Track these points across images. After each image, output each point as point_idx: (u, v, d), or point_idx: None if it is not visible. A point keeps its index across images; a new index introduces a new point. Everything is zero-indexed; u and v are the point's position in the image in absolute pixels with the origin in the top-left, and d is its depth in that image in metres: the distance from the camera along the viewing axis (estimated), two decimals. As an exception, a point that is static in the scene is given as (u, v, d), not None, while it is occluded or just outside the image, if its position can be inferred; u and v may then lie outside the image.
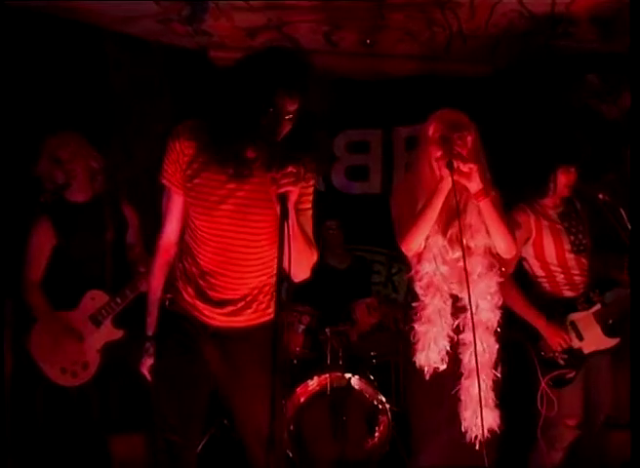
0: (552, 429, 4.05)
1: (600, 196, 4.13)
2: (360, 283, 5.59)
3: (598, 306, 4.10)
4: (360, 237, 6.14)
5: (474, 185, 3.16)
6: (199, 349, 2.92)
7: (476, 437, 3.22)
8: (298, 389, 4.59)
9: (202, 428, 3.04)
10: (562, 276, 4.09)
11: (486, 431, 3.22)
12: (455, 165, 3.09)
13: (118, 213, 4.14)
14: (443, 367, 3.22)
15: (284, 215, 2.54)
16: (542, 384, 3.95)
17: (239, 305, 2.89)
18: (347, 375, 4.63)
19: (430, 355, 3.21)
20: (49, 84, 4.90)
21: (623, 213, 4.02)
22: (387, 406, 4.60)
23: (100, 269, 4.06)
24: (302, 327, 4.83)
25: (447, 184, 3.13)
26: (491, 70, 6.02)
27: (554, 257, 4.07)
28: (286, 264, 2.49)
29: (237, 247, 2.81)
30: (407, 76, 6.13)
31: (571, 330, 4.07)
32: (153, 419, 2.93)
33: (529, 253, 4.09)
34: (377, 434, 4.63)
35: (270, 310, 2.94)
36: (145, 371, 2.98)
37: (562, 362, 4.02)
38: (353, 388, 4.63)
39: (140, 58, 5.43)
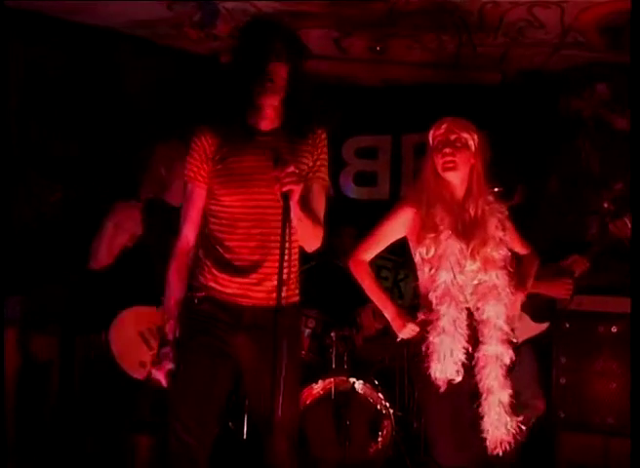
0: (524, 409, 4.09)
1: (605, 205, 4.17)
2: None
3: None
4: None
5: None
6: (226, 348, 2.97)
7: (501, 445, 3.22)
8: (302, 392, 4.61)
9: (216, 429, 3.08)
10: None
11: (511, 438, 3.24)
12: None
13: None
14: (458, 379, 3.18)
15: (286, 212, 2.69)
16: None
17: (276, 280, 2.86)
18: (352, 380, 4.65)
19: (446, 367, 3.17)
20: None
21: (628, 222, 4.05)
22: (391, 411, 4.62)
23: None
24: (308, 330, 4.86)
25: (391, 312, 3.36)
26: (500, 78, 6.04)
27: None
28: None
29: (271, 216, 2.89)
30: (416, 83, 6.17)
31: None
32: (168, 419, 2.98)
33: None
34: (380, 439, 4.65)
35: (294, 292, 3.08)
36: (162, 376, 3.00)
37: None
38: (357, 393, 4.64)
39: (152, 62, 5.49)
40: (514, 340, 3.34)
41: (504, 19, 4.84)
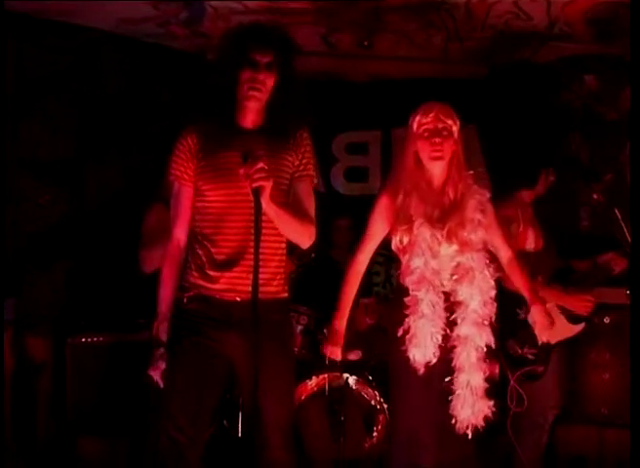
0: (538, 416, 4.21)
1: (595, 196, 4.19)
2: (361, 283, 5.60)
3: None
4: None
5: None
6: (217, 346, 2.98)
7: (468, 426, 3.28)
8: (296, 389, 4.60)
9: (208, 428, 3.10)
10: None
11: (481, 420, 3.30)
12: None
13: None
14: (434, 361, 3.24)
15: (258, 208, 2.73)
16: (512, 382, 4.01)
17: (266, 273, 2.91)
18: (345, 375, 4.63)
19: (427, 350, 3.22)
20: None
21: (618, 213, 4.07)
22: (385, 405, 4.60)
23: None
24: (301, 327, 4.84)
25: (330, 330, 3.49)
26: (488, 71, 6.04)
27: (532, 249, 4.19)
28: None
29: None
30: (405, 78, 6.16)
31: None
32: (159, 417, 2.99)
33: None
34: (375, 434, 4.65)
35: (283, 288, 3.09)
36: (157, 376, 3.01)
37: (531, 357, 4.11)
38: (351, 388, 4.63)
39: (138, 60, 5.48)
40: (493, 324, 3.35)
41: (491, 13, 4.84)
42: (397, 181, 3.36)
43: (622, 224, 4.05)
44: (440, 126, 3.28)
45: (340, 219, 5.59)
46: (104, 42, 5.27)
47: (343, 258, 5.57)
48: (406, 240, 3.28)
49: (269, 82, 2.94)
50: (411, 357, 3.24)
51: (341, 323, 3.47)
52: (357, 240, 5.70)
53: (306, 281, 5.45)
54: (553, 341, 4.12)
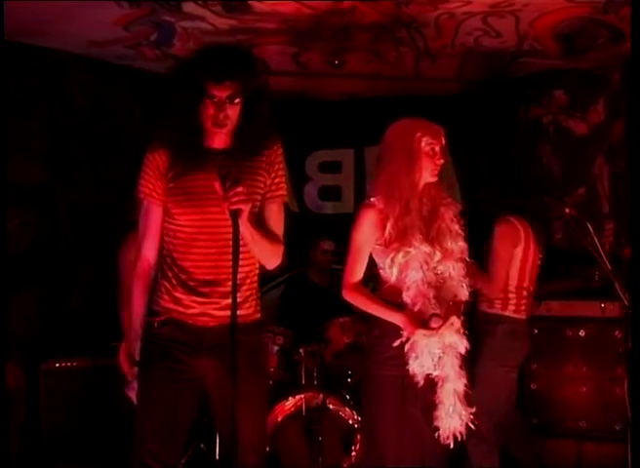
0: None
1: (567, 210, 4.20)
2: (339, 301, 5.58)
3: None
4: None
5: None
6: (189, 371, 2.93)
7: (452, 436, 3.24)
8: (273, 410, 4.58)
9: (182, 453, 3.05)
10: None
11: (464, 428, 3.26)
12: None
13: None
14: (437, 373, 3.22)
15: (236, 231, 2.71)
16: None
17: (239, 297, 2.84)
18: (322, 395, 4.61)
19: (424, 362, 3.19)
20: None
21: (590, 226, 4.09)
22: (363, 424, 4.60)
23: None
24: (277, 347, 4.81)
25: (401, 319, 3.20)
26: (459, 88, 6.07)
27: None
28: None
29: (226, 234, 2.82)
30: (376, 96, 6.19)
31: None
32: (132, 443, 2.92)
33: None
34: (353, 453, 4.62)
35: (255, 309, 3.04)
36: (135, 395, 2.98)
37: None
38: (329, 408, 4.61)
39: (109, 82, 5.46)
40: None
41: (460, 30, 4.87)
42: (392, 197, 3.29)
43: (595, 237, 4.07)
44: (442, 146, 3.34)
45: (325, 242, 5.53)
46: (71, 63, 5.25)
47: (321, 278, 5.59)
48: (407, 257, 3.25)
49: (234, 114, 2.86)
50: (410, 370, 3.19)
51: (400, 317, 3.23)
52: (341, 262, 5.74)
53: (284, 300, 5.43)
54: None
